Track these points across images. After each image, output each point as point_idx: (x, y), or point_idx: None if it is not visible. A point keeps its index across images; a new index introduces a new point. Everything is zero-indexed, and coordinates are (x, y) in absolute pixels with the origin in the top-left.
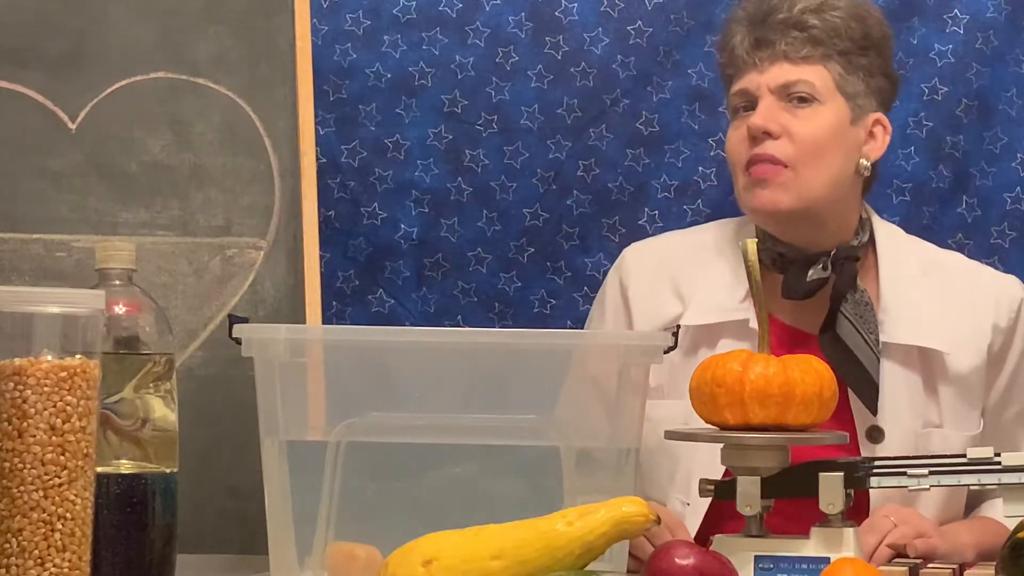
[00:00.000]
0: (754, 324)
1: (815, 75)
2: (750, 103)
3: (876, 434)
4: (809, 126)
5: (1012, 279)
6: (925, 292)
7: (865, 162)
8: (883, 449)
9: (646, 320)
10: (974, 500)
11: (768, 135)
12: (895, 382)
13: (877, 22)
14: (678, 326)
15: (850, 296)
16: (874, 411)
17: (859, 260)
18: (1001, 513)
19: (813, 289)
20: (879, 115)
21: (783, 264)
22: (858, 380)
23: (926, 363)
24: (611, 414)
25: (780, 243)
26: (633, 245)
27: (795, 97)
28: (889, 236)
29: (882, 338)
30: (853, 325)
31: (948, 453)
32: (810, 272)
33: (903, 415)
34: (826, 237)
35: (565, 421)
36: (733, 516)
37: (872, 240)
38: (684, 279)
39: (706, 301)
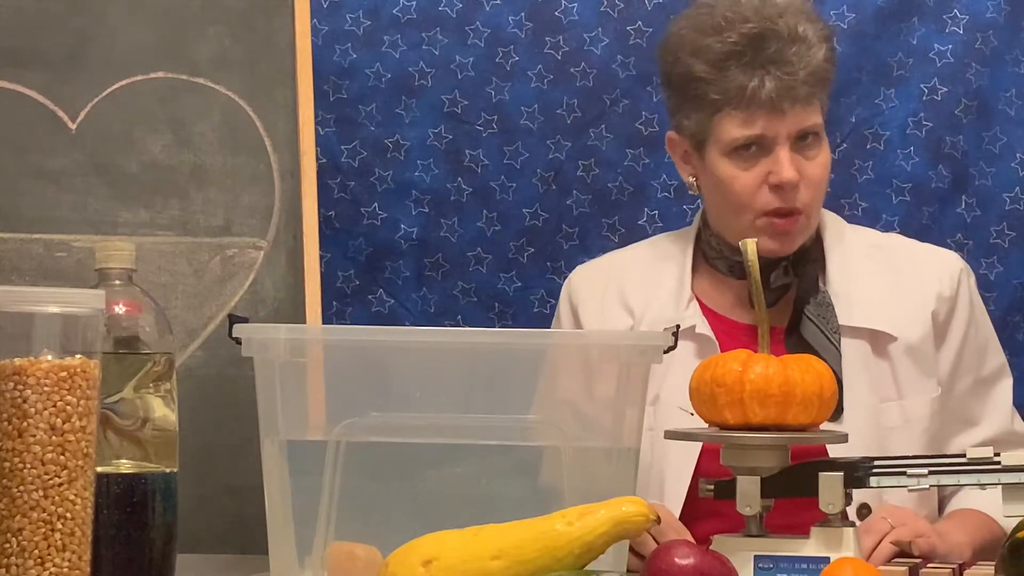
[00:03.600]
0: (701, 329)
1: (818, 115)
2: (759, 146)
3: (835, 412)
4: (819, 168)
5: (951, 253)
6: (870, 274)
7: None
8: (842, 426)
9: None
10: (944, 493)
11: (794, 187)
12: (849, 362)
13: None
14: (677, 326)
15: (812, 299)
16: (839, 406)
17: (819, 259)
18: (979, 501)
19: (779, 296)
20: None
21: (741, 271)
22: None
23: (877, 341)
24: (611, 414)
25: (738, 251)
26: (578, 268)
27: (803, 137)
28: (832, 225)
29: None
30: (816, 325)
31: (909, 424)
32: (773, 278)
33: (859, 392)
34: None
35: (560, 420)
36: (707, 515)
37: (817, 231)
38: (631, 291)
39: (654, 316)
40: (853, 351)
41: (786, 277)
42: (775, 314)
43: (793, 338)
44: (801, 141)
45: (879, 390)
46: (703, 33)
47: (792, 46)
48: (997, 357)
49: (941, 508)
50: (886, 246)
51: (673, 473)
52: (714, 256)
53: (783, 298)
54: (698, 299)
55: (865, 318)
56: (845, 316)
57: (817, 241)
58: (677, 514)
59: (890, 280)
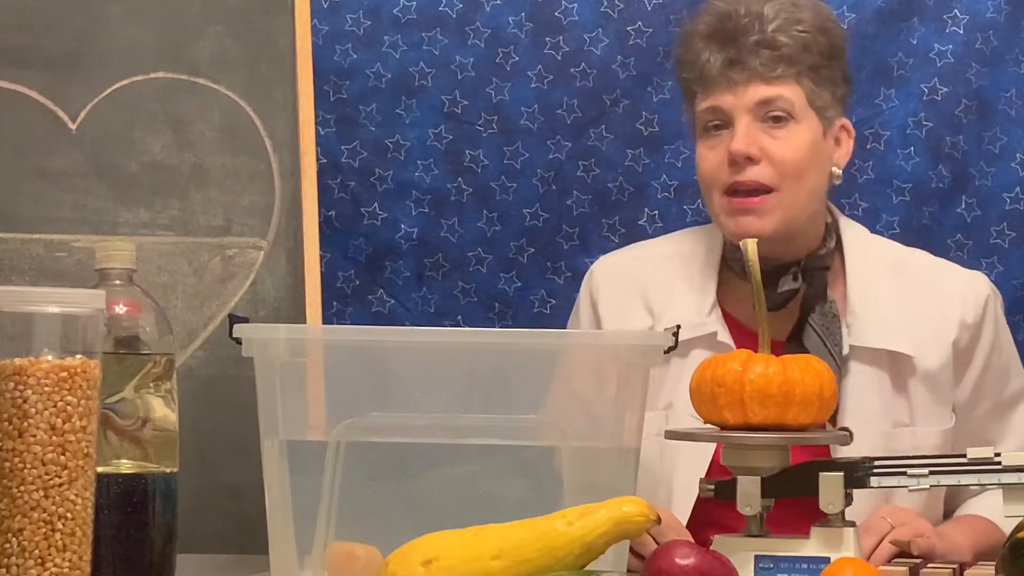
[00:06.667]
0: (722, 337)
1: (790, 92)
2: (723, 122)
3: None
4: (788, 148)
5: (978, 275)
6: (892, 294)
7: (837, 171)
8: (851, 451)
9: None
10: (953, 498)
11: (750, 160)
12: (863, 384)
13: (838, 29)
14: (678, 326)
15: (818, 307)
16: (833, 422)
17: (829, 267)
18: (986, 508)
19: (785, 300)
20: (843, 121)
21: None
22: None
23: (895, 364)
24: (611, 414)
25: None
26: (601, 259)
27: (771, 116)
28: (856, 238)
29: (851, 341)
30: (819, 336)
31: (919, 452)
32: (781, 283)
33: (871, 417)
34: (797, 246)
35: (565, 421)
36: (714, 525)
37: (839, 243)
38: (653, 292)
39: (675, 318)
40: (867, 374)
41: (794, 283)
42: (780, 321)
43: (793, 347)
44: (771, 119)
45: (892, 415)
46: (690, 22)
47: (744, 21)
48: (1018, 380)
49: (948, 517)
50: (911, 264)
51: (681, 483)
52: (731, 257)
53: (790, 304)
54: (721, 306)
55: (883, 339)
56: (862, 336)
57: (834, 251)
58: (683, 524)
59: (912, 302)
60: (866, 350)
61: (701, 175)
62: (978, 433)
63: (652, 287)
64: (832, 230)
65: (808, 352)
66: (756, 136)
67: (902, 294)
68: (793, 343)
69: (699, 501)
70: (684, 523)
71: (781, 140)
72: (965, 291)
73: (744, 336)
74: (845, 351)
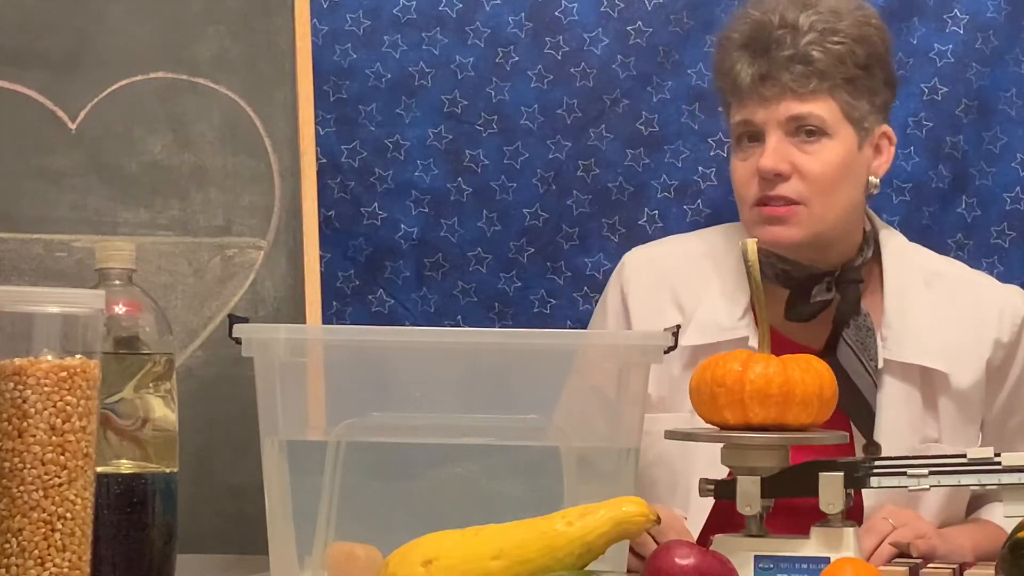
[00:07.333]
0: (753, 342)
1: (823, 108)
2: (755, 134)
3: (873, 449)
4: (819, 163)
5: (1016, 291)
6: (928, 307)
7: (874, 180)
8: None
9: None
10: (975, 503)
11: (779, 177)
12: (894, 398)
13: (878, 34)
14: (678, 325)
15: (852, 321)
16: (869, 437)
17: (863, 280)
18: (1000, 516)
19: (816, 311)
20: (884, 128)
21: (787, 280)
22: (855, 405)
23: (927, 380)
24: (611, 414)
25: (784, 260)
26: (633, 252)
27: (803, 131)
28: (894, 248)
29: (884, 355)
30: (853, 351)
31: None
32: (814, 293)
33: (901, 431)
34: (831, 256)
35: (565, 421)
36: (733, 526)
37: (877, 252)
38: (684, 291)
39: (706, 319)
40: (898, 388)
41: (828, 293)
42: (813, 330)
43: (828, 359)
44: (803, 134)
45: (920, 430)
46: (727, 28)
47: (777, 33)
48: None
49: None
50: (947, 276)
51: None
52: (763, 262)
53: (822, 315)
54: (754, 310)
55: (918, 354)
56: (897, 350)
57: (871, 260)
58: (700, 525)
59: (948, 316)
60: (900, 365)
61: (735, 187)
62: (1007, 448)
63: (684, 285)
64: (871, 239)
65: (843, 368)
66: (787, 151)
67: (938, 308)
68: (828, 356)
69: (718, 501)
70: (701, 523)
71: (812, 155)
72: (1002, 308)
73: (777, 342)
74: (880, 364)
